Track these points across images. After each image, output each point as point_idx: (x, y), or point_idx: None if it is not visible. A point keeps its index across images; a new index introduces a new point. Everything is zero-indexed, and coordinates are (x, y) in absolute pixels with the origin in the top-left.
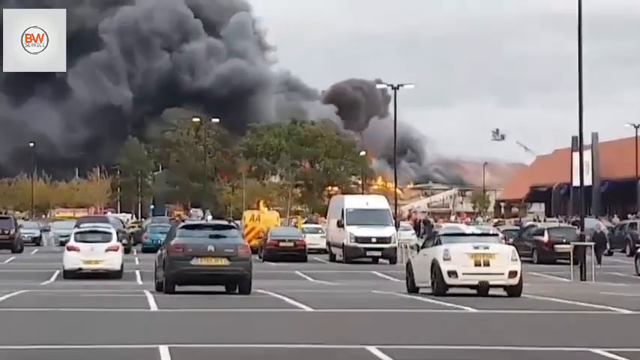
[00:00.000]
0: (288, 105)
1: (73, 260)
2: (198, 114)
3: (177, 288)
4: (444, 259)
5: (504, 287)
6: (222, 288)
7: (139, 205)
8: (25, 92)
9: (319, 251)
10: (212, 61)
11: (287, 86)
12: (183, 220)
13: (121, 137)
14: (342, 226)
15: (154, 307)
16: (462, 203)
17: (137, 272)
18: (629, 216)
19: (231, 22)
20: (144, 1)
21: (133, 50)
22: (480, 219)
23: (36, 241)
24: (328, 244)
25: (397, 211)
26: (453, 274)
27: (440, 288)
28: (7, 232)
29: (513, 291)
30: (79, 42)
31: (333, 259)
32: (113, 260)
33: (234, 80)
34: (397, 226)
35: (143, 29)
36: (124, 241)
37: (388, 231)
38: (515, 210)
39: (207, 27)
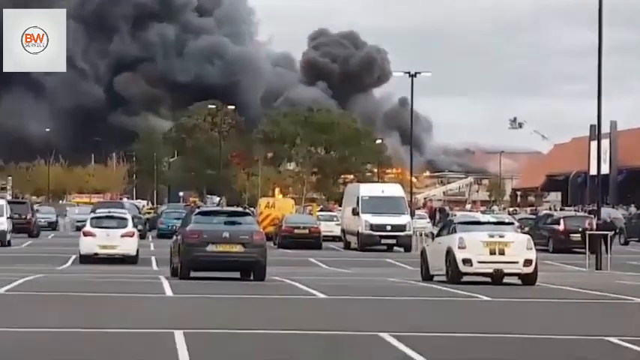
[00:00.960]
0: (277, 84)
1: (89, 245)
2: (164, 96)
3: (192, 274)
4: (459, 248)
5: (519, 276)
6: (236, 274)
7: (155, 191)
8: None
9: (334, 239)
10: (200, 41)
11: (278, 64)
12: (198, 207)
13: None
14: (357, 213)
15: (169, 292)
16: (477, 192)
17: (152, 258)
18: None
19: (223, 4)
20: None
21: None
22: (495, 207)
23: (52, 226)
24: (343, 231)
25: (412, 199)
26: (467, 262)
27: (454, 276)
28: (23, 216)
29: (528, 279)
30: None
31: (347, 246)
32: (129, 246)
33: (223, 61)
34: (412, 214)
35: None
36: (140, 226)
37: (403, 219)
38: (531, 199)
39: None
